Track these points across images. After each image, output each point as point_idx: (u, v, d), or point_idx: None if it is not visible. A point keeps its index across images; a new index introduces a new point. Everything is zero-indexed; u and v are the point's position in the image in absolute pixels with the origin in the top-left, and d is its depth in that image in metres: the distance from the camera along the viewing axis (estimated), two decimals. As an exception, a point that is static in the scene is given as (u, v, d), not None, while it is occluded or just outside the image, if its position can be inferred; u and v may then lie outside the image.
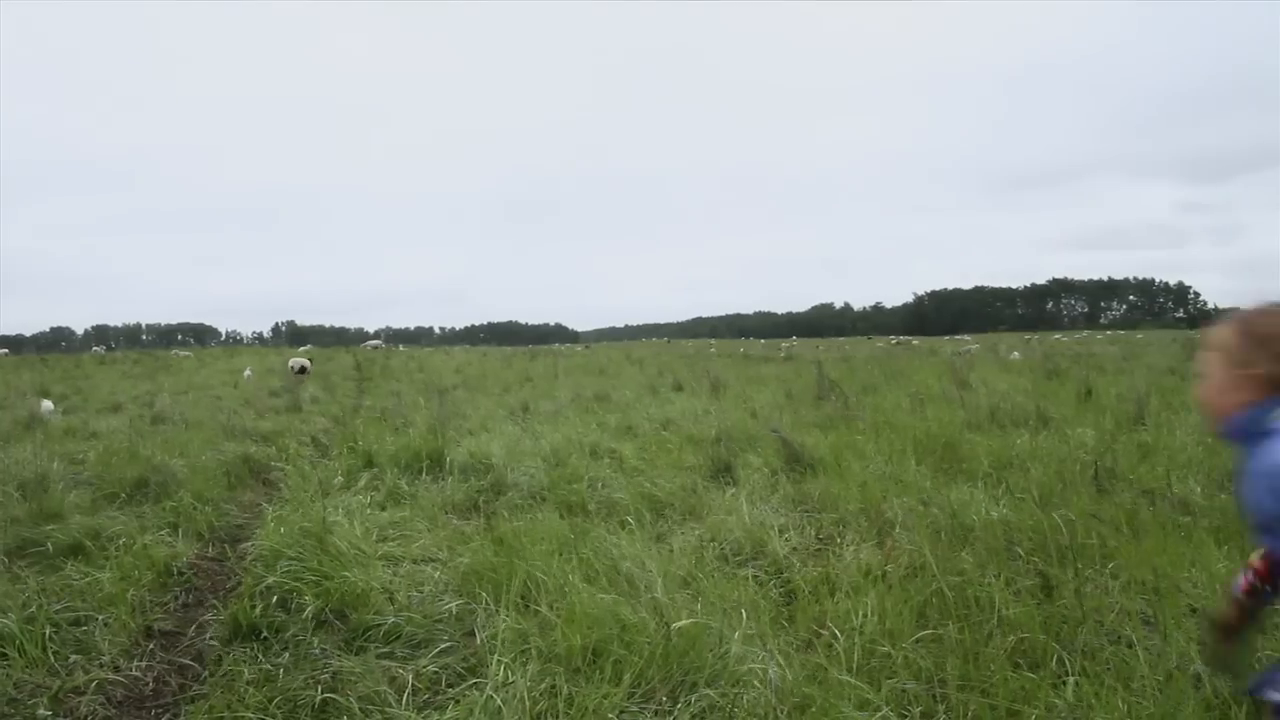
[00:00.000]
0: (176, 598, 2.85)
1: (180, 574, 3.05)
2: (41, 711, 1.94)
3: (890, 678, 2.09)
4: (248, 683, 1.99)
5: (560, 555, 2.74)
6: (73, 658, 2.27)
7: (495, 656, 2.03)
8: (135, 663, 2.30)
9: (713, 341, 57.17)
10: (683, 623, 2.01)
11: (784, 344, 43.79)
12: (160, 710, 2.11)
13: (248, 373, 15.56)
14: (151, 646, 2.43)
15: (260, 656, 2.22)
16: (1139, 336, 40.37)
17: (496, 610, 2.45)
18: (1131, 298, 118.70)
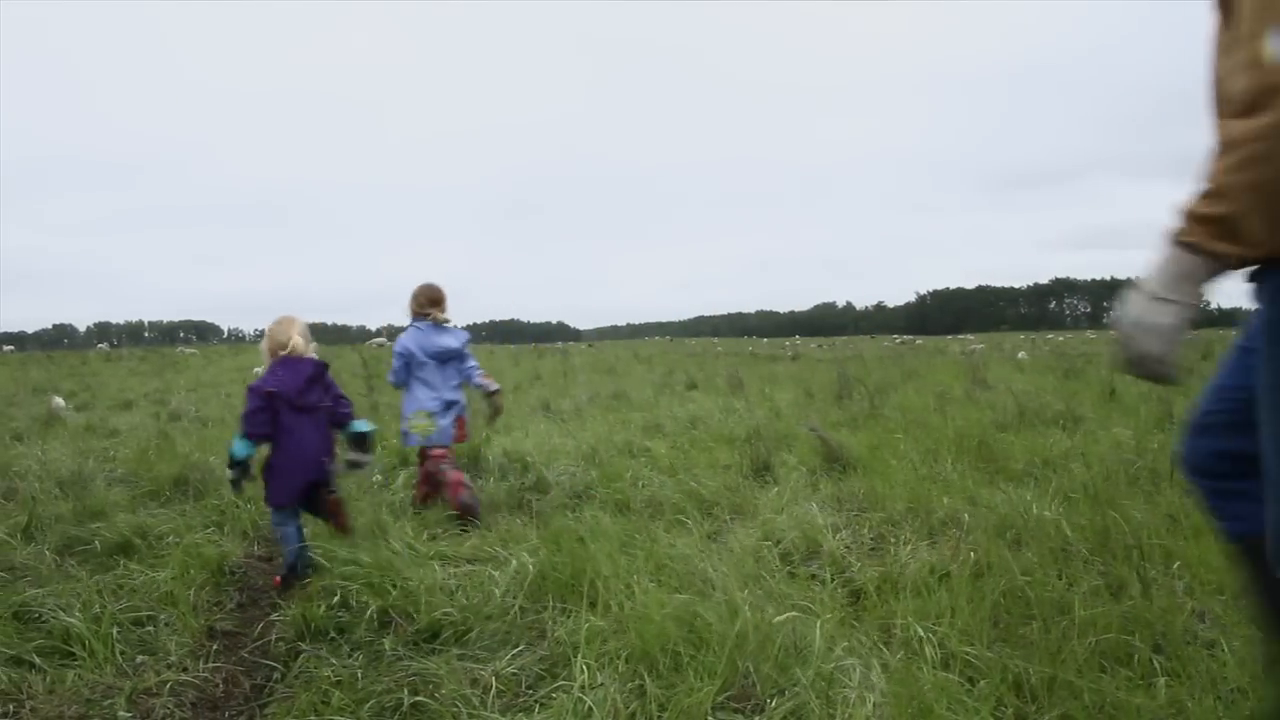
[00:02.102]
0: (231, 597, 2.82)
1: (232, 573, 3.02)
2: (122, 714, 1.91)
3: (979, 678, 2.06)
4: (332, 684, 1.95)
5: (623, 554, 2.70)
6: (139, 658, 2.24)
7: (579, 658, 1.99)
8: (202, 664, 2.27)
9: (717, 340, 57.18)
10: (783, 616, 1.98)
11: (787, 343, 43.82)
12: (235, 713, 2.07)
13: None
14: (215, 647, 2.39)
15: (332, 658, 2.18)
16: None
17: (564, 610, 2.42)
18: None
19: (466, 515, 3.50)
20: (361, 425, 3.25)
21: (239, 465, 2.91)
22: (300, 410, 2.99)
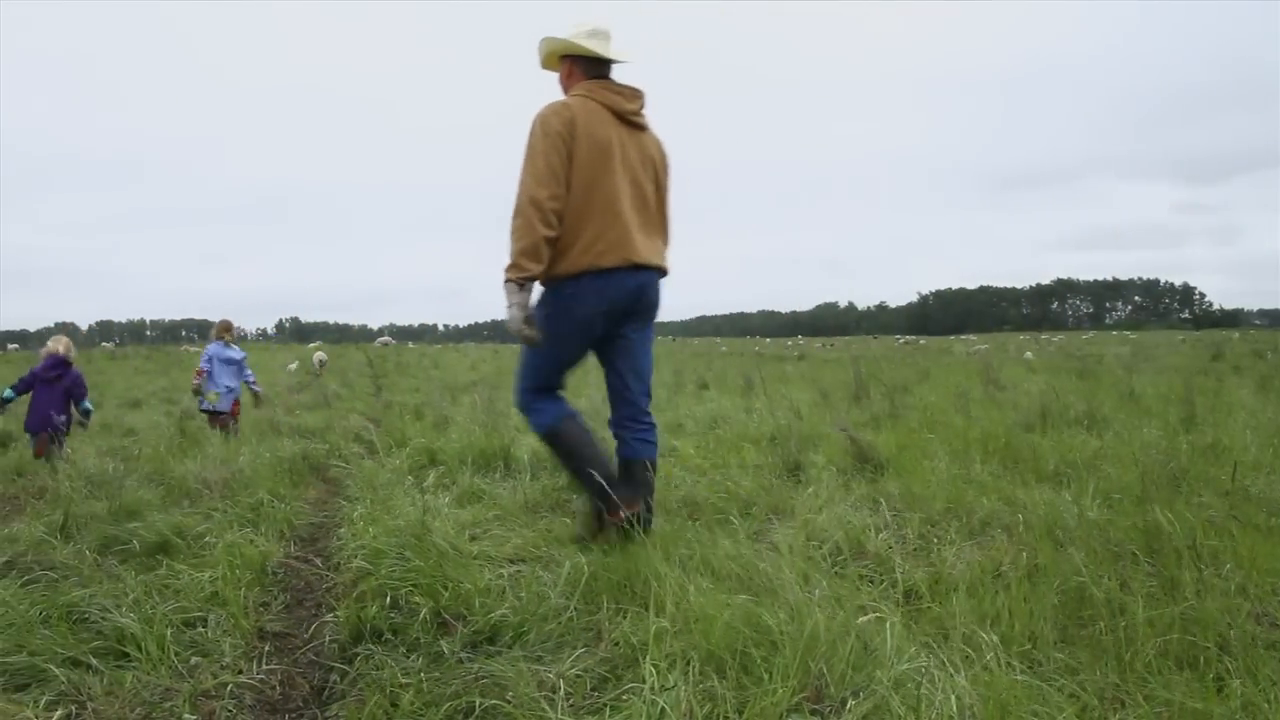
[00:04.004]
0: (277, 598, 2.79)
1: (274, 574, 2.99)
2: (187, 716, 1.88)
3: (1051, 680, 2.03)
4: (399, 686, 1.92)
5: (674, 555, 2.67)
6: (193, 660, 2.21)
7: (647, 659, 1.96)
8: (256, 666, 2.24)
9: (720, 340, 57.17)
10: (866, 618, 1.95)
11: (789, 342, 43.77)
12: (295, 716, 2.05)
13: (292, 366, 15.93)
14: (267, 649, 2.37)
15: (389, 659, 2.15)
16: (1132, 336, 40.03)
17: (618, 611, 2.39)
18: (1136, 298, 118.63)
19: (226, 428, 6.65)
20: (86, 404, 6.25)
21: (4, 401, 5.89)
22: (45, 383, 5.91)
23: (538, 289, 2.91)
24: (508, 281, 2.77)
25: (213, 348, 6.97)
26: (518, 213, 2.77)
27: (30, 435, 5.85)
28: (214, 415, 6.87)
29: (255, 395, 7.24)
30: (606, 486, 2.82)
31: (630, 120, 2.98)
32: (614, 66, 3.04)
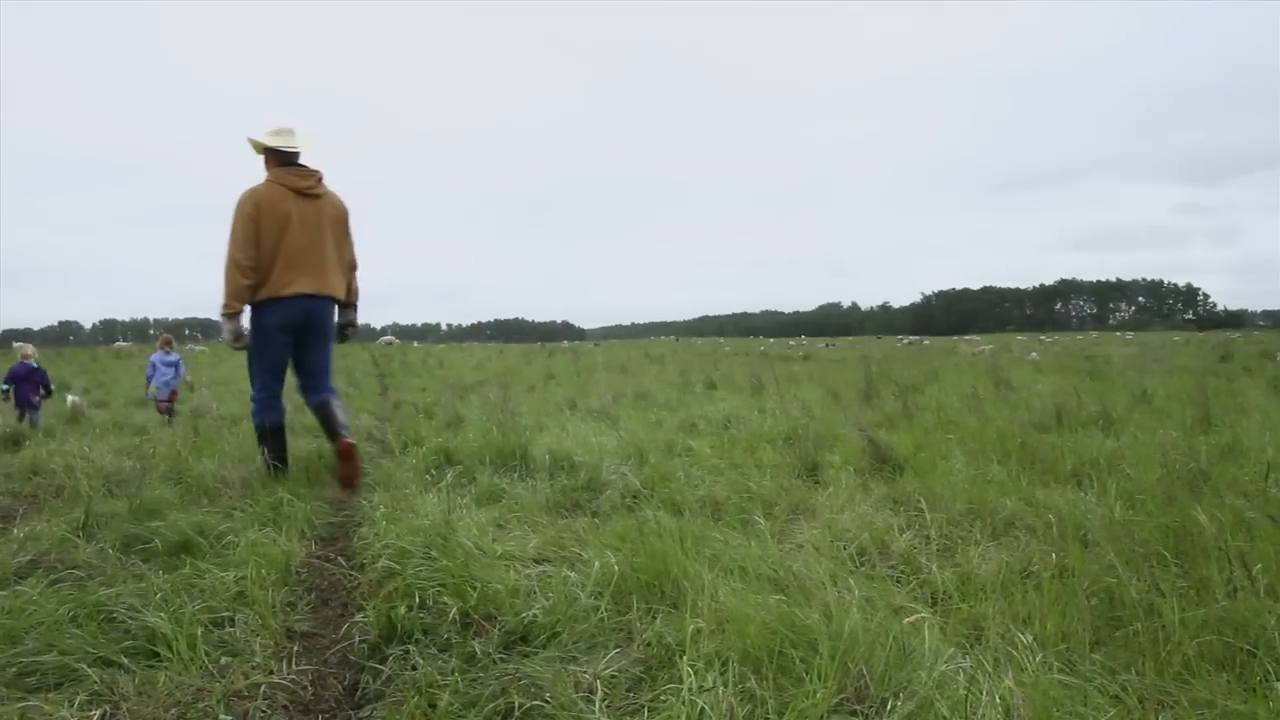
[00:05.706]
0: (302, 598, 2.77)
1: (298, 573, 2.97)
2: (223, 716, 1.87)
3: (1092, 680, 2.01)
4: (438, 686, 1.91)
5: (704, 554, 2.66)
6: (223, 659, 2.20)
7: (684, 660, 1.94)
8: (286, 666, 2.22)
9: (723, 340, 57.12)
10: (912, 618, 1.93)
11: (792, 342, 43.72)
12: (327, 716, 2.03)
13: None
14: (296, 649, 2.35)
15: (423, 660, 2.14)
16: (1129, 336, 39.89)
17: (648, 611, 2.38)
18: (1140, 299, 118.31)
19: (167, 413, 9.25)
20: (50, 387, 9.25)
21: (5, 392, 8.74)
22: (23, 379, 8.82)
23: (249, 313, 4.38)
24: (222, 315, 4.32)
25: (155, 356, 9.64)
26: (225, 269, 4.22)
27: (17, 410, 8.62)
28: (159, 402, 9.45)
29: (189, 385, 10.03)
30: (280, 464, 4.41)
31: (306, 193, 4.34)
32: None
